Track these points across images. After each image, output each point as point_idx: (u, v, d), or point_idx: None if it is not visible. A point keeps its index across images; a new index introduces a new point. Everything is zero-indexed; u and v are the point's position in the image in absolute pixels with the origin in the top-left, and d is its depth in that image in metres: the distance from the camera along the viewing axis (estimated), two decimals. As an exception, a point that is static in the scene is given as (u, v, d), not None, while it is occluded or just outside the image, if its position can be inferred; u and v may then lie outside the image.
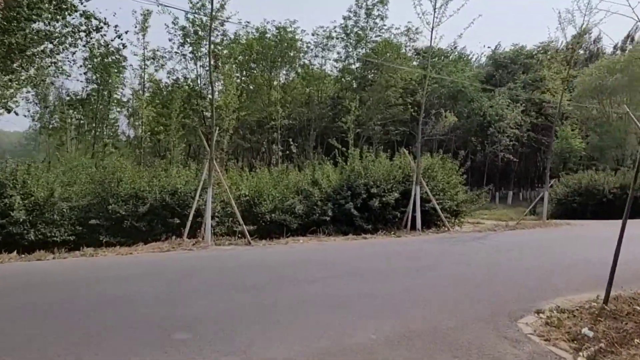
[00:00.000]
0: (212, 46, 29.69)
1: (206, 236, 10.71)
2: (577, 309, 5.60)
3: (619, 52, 50.82)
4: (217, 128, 13.75)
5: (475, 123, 41.38)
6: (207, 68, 31.10)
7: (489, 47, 79.04)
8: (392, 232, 13.71)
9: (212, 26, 23.24)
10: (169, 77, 31.13)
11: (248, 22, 41.52)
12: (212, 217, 11.56)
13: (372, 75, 38.55)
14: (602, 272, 8.10)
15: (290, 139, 30.80)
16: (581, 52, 52.03)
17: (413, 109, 37.41)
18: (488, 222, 23.41)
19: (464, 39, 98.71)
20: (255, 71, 35.44)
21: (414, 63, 41.77)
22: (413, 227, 14.22)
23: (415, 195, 14.13)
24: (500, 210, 34.97)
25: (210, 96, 23.68)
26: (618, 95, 38.80)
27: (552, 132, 23.70)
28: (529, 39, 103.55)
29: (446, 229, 14.88)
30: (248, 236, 11.00)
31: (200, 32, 28.73)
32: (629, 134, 38.89)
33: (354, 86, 38.98)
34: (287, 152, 31.84)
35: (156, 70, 31.36)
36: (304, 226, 13.42)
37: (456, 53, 44.10)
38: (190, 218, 10.87)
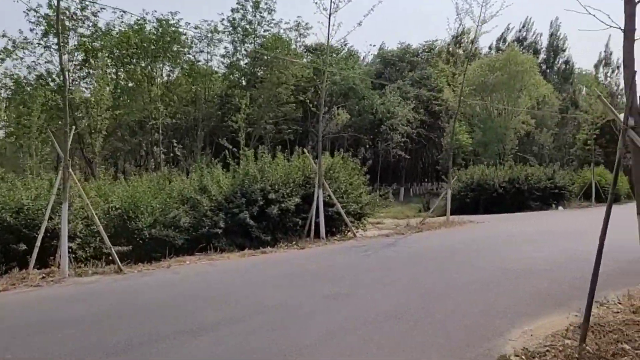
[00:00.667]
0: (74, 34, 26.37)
1: (62, 265, 8.33)
2: (548, 350, 4.35)
3: (493, 52, 53.76)
4: (74, 128, 11.20)
5: (367, 120, 41.26)
6: (75, 61, 27.63)
7: (374, 46, 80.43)
8: (294, 243, 12.11)
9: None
10: (30, 72, 27.09)
11: (124, 12, 37.83)
12: (72, 239, 9.19)
13: (263, 72, 36.81)
14: (546, 281, 7.14)
15: (175, 140, 28.10)
16: (461, 52, 54.38)
17: (306, 107, 36.37)
18: (388, 222, 22.72)
19: (351, 38, 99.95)
20: (133, 66, 32.15)
21: (304, 60, 40.69)
22: (316, 234, 12.76)
23: (318, 199, 12.68)
24: (395, 207, 34.96)
25: (68, 89, 20.54)
26: (498, 92, 40.53)
27: (452, 129, 23.51)
28: (427, 35, 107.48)
29: (352, 234, 13.62)
30: (118, 261, 8.74)
31: (67, 23, 25.26)
32: (508, 129, 40.77)
33: (244, 83, 37.03)
34: (171, 154, 29.17)
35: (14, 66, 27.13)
36: (191, 242, 11.38)
37: (346, 50, 43.68)
38: (38, 242, 8.40)
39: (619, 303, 5.88)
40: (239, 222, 11.91)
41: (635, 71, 4.19)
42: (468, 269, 8.40)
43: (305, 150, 14.21)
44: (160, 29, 31.22)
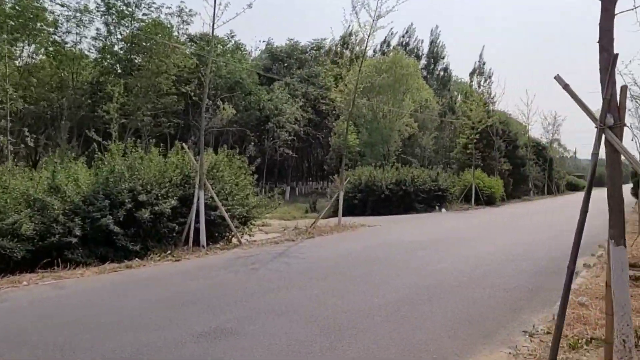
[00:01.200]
0: None
1: None
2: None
3: (377, 55, 54.87)
4: None
5: (254, 117, 39.75)
6: None
7: (263, 42, 78.93)
8: (169, 252, 10.36)
9: None
10: None
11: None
12: None
13: (141, 59, 33.81)
14: (463, 301, 6.26)
15: (27, 129, 24.39)
16: (347, 53, 54.77)
17: (188, 100, 34.07)
18: (274, 223, 21.50)
19: (238, 32, 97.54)
20: (-16, 43, 27.67)
21: (187, 51, 38.19)
22: (196, 241, 11.10)
23: (199, 201, 11.02)
24: (281, 207, 33.85)
25: None
26: (384, 94, 41.07)
27: (346, 128, 22.69)
28: (323, 30, 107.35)
29: (237, 241, 12.13)
30: None
31: None
32: (393, 131, 41.49)
33: (118, 70, 33.72)
34: (22, 145, 25.46)
35: None
36: (37, 253, 9.18)
37: (233, 42, 41.79)
38: None
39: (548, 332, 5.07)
40: (101, 228, 9.89)
41: (617, 54, 3.24)
42: (373, 287, 7.32)
43: (184, 145, 12.39)
44: (20, 3, 27.23)
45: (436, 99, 50.79)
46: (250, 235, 13.72)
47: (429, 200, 25.25)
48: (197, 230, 11.14)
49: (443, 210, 25.10)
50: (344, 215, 24.22)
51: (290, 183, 48.70)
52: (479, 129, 27.69)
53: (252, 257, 10.03)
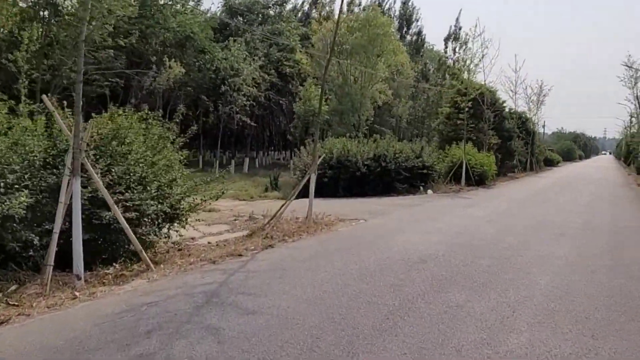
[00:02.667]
0: None
1: None
2: None
3: (355, 9, 49.77)
4: None
5: (208, 78, 34.62)
6: None
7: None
8: (10, 293, 5.82)
9: None
10: None
11: None
12: None
13: (69, 3, 28.11)
14: None
15: None
16: (315, 14, 49.64)
17: (130, 56, 28.81)
18: (225, 206, 17.20)
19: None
20: None
21: None
22: (69, 265, 6.55)
23: (74, 196, 6.45)
24: (237, 182, 29.30)
25: None
26: (356, 56, 36.48)
27: (320, 94, 18.08)
28: None
29: (145, 265, 7.46)
30: None
31: None
32: (365, 98, 37.14)
33: (32, 14, 27.94)
34: None
35: None
36: None
37: (184, -10, 36.15)
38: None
39: None
40: None
41: None
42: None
43: (50, 99, 7.44)
44: None
45: (411, 65, 46.56)
46: (179, 237, 9.24)
47: (412, 179, 21.16)
48: (72, 245, 6.56)
49: (429, 191, 21.08)
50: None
51: (249, 153, 43.96)
52: (472, 95, 23.61)
53: (156, 308, 5.44)
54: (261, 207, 14.95)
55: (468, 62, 23.30)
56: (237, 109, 33.09)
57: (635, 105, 38.09)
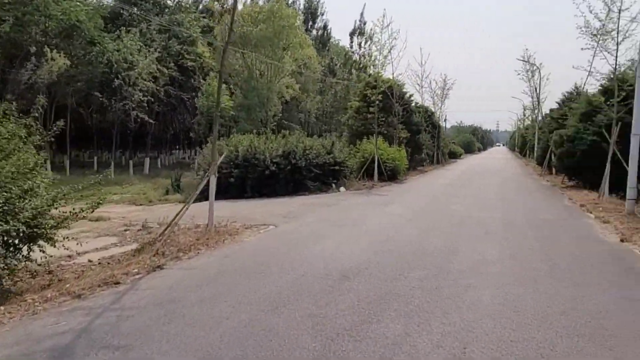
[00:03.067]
0: None
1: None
2: None
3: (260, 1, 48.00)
4: None
5: (100, 72, 31.51)
6: None
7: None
8: None
9: None
10: None
11: None
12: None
13: None
14: None
15: None
16: (217, 5, 47.34)
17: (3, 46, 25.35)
18: (117, 212, 15.24)
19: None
20: None
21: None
22: None
23: None
24: (136, 184, 26.84)
25: None
26: (262, 49, 34.98)
27: (218, 87, 16.36)
28: None
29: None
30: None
31: None
32: (272, 92, 35.75)
33: None
34: None
35: None
36: None
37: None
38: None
39: None
40: None
41: None
42: None
43: None
44: None
45: (318, 59, 45.73)
46: (47, 257, 7.33)
47: (324, 176, 20.09)
48: None
49: (342, 189, 20.11)
50: (217, 198, 18.33)
51: (151, 153, 41.03)
52: (382, 88, 22.95)
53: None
54: (159, 213, 13.16)
55: (377, 54, 22.57)
56: (134, 105, 30.32)
57: (532, 97, 39.78)
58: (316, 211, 13.43)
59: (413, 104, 33.48)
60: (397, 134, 26.77)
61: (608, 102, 15.46)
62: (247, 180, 18.70)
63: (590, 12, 15.78)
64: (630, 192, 12.16)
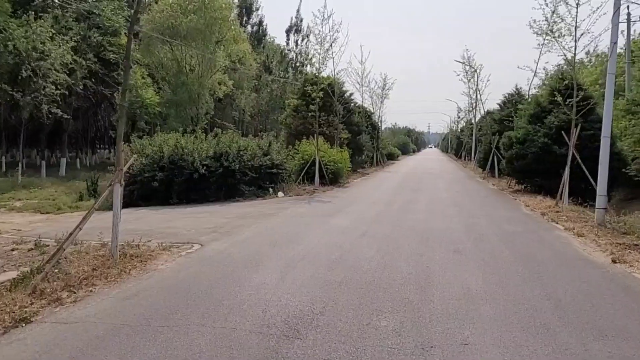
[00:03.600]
0: None
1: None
2: None
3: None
4: None
5: (3, 61, 27.86)
6: None
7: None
8: None
9: None
10: None
11: None
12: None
13: None
14: None
15: None
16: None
17: None
18: (11, 226, 12.77)
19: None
20: None
21: None
22: None
23: None
24: (46, 188, 23.72)
25: None
26: (193, 42, 32.47)
27: (124, 81, 14.07)
28: None
29: None
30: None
31: None
32: (204, 89, 33.34)
33: None
34: None
35: None
36: None
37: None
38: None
39: None
40: None
41: None
42: None
43: None
44: None
45: (253, 56, 43.59)
46: None
47: (261, 180, 18.21)
48: None
49: (280, 194, 18.28)
50: (136, 205, 16.01)
51: (68, 153, 37.38)
52: (322, 85, 21.28)
53: None
54: (65, 225, 10.85)
55: (317, 47, 20.83)
56: (45, 99, 26.99)
57: (470, 98, 39.55)
58: (252, 224, 11.48)
59: (353, 104, 32.18)
60: (338, 134, 25.25)
61: (566, 103, 14.47)
62: (173, 185, 16.52)
63: (547, 5, 14.76)
64: (600, 201, 11.08)
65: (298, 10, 60.86)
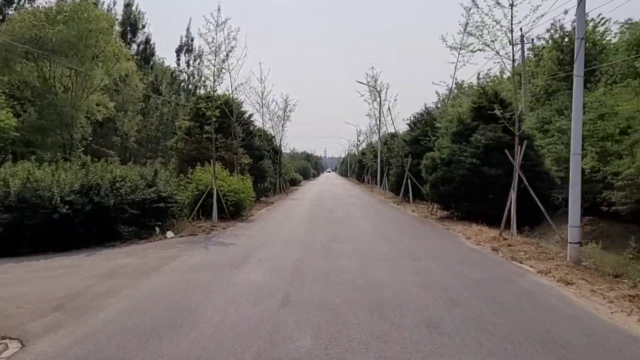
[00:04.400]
0: None
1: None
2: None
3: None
4: None
5: None
6: None
7: None
8: None
9: None
10: None
11: None
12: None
13: None
14: None
15: None
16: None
17: None
18: None
19: None
20: None
21: None
22: None
23: None
24: None
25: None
26: (65, 56, 27.88)
27: None
28: None
29: None
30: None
31: None
32: (79, 111, 28.79)
33: None
34: None
35: None
36: None
37: None
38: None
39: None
40: None
41: None
42: None
43: None
44: None
45: (140, 76, 39.36)
46: None
47: (145, 217, 14.65)
48: None
49: (169, 234, 14.82)
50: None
51: None
52: (218, 102, 18.10)
53: None
54: None
55: (211, 57, 17.61)
56: None
57: (375, 119, 38.20)
58: (122, 288, 8.04)
59: (253, 126, 29.30)
60: (239, 159, 22.14)
61: (505, 116, 12.65)
62: (23, 230, 12.53)
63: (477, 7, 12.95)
64: (574, 233, 9.02)
65: (188, 29, 57.16)
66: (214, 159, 17.53)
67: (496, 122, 16.44)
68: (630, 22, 27.25)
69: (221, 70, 17.59)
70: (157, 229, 14.90)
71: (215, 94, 18.72)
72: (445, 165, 16.58)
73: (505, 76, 33.32)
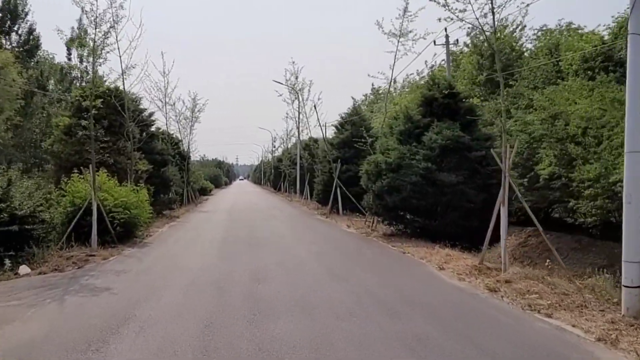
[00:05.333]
0: None
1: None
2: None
3: None
4: None
5: None
6: None
7: None
8: None
9: None
10: None
11: None
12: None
13: None
14: None
15: None
16: None
17: None
18: None
19: None
20: None
21: None
22: None
23: None
24: None
25: None
26: None
27: None
28: None
29: None
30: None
31: None
32: None
33: None
34: None
35: None
36: None
37: None
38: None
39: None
40: None
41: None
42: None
43: None
44: None
45: (18, 69, 33.29)
46: None
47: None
48: None
49: (22, 269, 10.54)
50: None
51: None
52: (101, 89, 13.91)
53: None
54: None
55: (91, 30, 13.42)
56: None
57: (295, 121, 34.97)
58: None
59: (155, 127, 25.04)
60: (133, 165, 17.85)
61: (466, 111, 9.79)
62: None
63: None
64: (632, 273, 6.04)
65: (80, 20, 50.70)
66: (93, 163, 13.19)
67: (451, 119, 13.73)
68: (545, 28, 26.97)
69: (103, 49, 13.48)
70: (7, 261, 10.60)
71: (97, 80, 14.51)
72: (392, 171, 13.51)
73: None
